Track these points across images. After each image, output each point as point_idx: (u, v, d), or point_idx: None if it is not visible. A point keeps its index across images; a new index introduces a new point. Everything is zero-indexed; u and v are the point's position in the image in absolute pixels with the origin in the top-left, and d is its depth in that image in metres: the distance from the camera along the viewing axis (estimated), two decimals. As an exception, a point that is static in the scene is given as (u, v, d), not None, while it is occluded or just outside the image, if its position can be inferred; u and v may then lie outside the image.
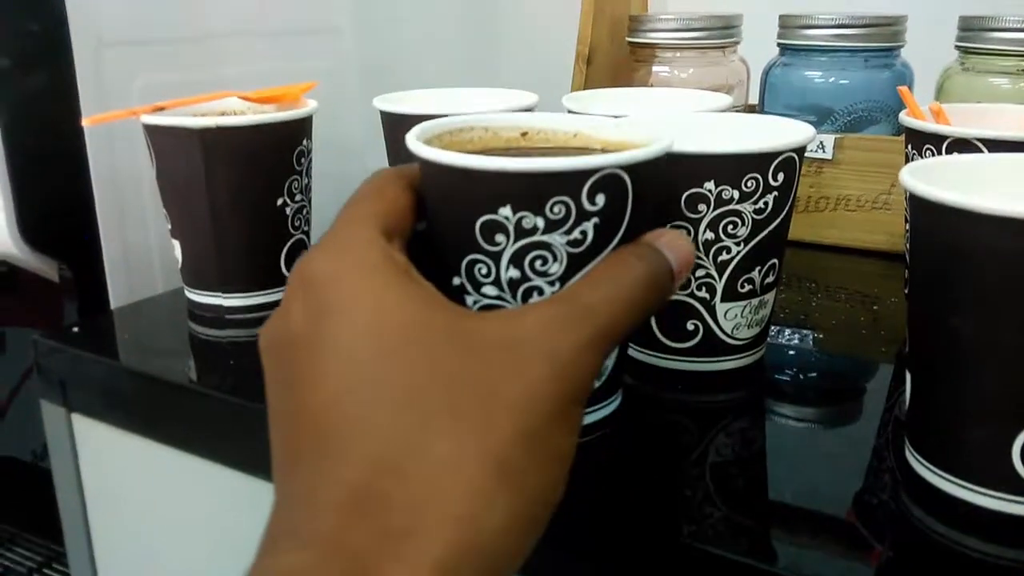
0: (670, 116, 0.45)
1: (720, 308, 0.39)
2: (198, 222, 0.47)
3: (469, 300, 0.30)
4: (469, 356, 0.22)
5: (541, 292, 0.29)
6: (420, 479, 0.20)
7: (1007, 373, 0.27)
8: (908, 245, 0.31)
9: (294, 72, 0.72)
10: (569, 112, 0.49)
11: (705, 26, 0.64)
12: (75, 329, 0.48)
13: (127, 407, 0.45)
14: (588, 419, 0.34)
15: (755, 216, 0.37)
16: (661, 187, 0.32)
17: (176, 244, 0.49)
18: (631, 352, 0.42)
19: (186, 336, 0.49)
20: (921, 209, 0.29)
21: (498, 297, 0.29)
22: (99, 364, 0.45)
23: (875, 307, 0.50)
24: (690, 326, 0.39)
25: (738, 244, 0.38)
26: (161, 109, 0.47)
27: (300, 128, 0.48)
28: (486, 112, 0.34)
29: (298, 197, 0.49)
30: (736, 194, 0.37)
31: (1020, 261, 0.26)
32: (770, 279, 0.40)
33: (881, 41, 0.59)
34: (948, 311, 0.29)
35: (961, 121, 0.43)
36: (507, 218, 0.27)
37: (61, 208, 0.61)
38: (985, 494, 0.29)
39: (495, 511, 0.21)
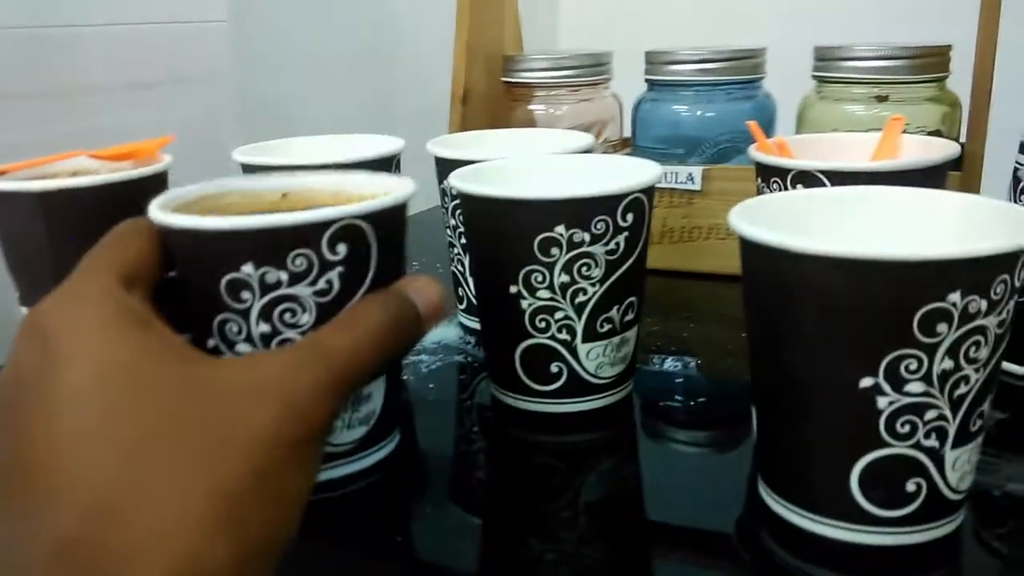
0: (529, 157, 0.45)
1: (582, 349, 0.39)
2: (46, 290, 0.45)
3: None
4: (200, 402, 0.23)
5: None
6: (139, 523, 0.21)
7: (838, 405, 0.28)
8: (743, 282, 0.31)
9: (164, 123, 0.71)
10: (436, 158, 0.49)
11: (576, 64, 0.65)
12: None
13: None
14: (364, 463, 0.35)
15: (608, 257, 0.38)
16: (402, 234, 0.33)
17: (24, 311, 0.46)
18: (499, 396, 0.41)
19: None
20: (747, 248, 0.30)
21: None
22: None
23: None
24: (554, 368, 0.39)
25: (593, 285, 0.38)
26: (2, 173, 0.45)
27: (153, 185, 0.46)
28: (244, 177, 0.35)
29: (157, 256, 0.47)
30: (587, 236, 0.37)
31: (841, 298, 0.27)
32: (629, 316, 0.40)
33: (742, 74, 0.61)
34: (778, 347, 0.29)
35: (804, 152, 0.44)
36: (250, 275, 0.28)
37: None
38: (831, 525, 0.30)
39: (217, 548, 0.21)
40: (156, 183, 0.47)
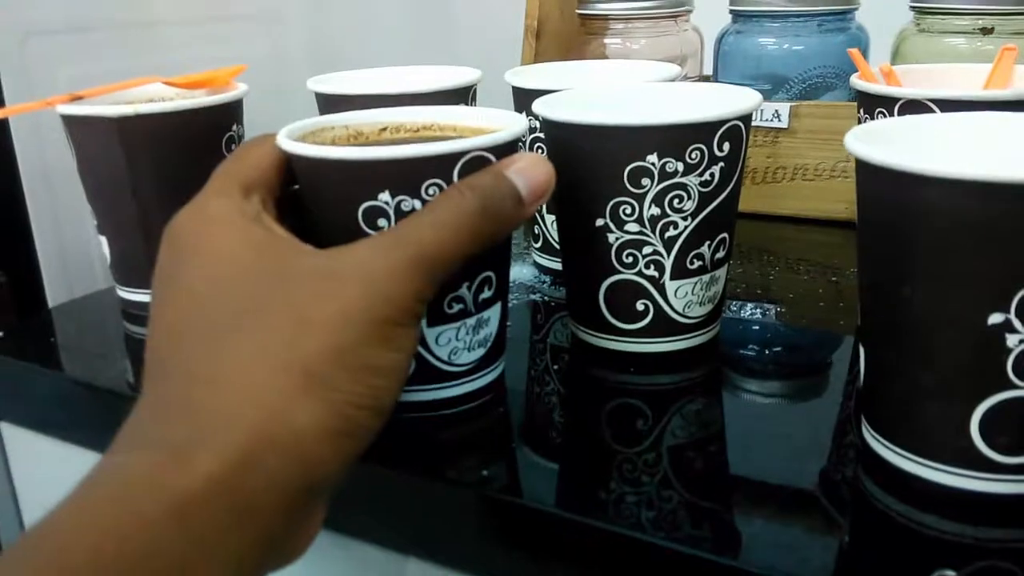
0: (615, 87, 0.43)
1: (670, 286, 0.37)
2: (123, 217, 0.44)
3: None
4: (288, 284, 0.26)
5: None
6: (230, 389, 0.24)
7: (961, 344, 0.26)
8: (857, 211, 0.29)
9: (234, 59, 0.70)
10: (514, 88, 0.47)
11: (656, -5, 0.62)
12: (1, 334, 0.45)
13: (58, 415, 0.43)
14: (479, 383, 0.36)
15: (701, 189, 0.36)
16: None
17: (103, 240, 0.46)
18: (582, 335, 0.40)
19: (121, 336, 0.46)
20: (867, 174, 0.28)
21: None
22: (27, 371, 0.43)
23: (835, 279, 0.48)
24: (640, 306, 0.38)
25: (685, 219, 0.36)
26: (79, 98, 0.45)
27: (227, 113, 0.45)
28: (345, 113, 0.36)
29: (231, 186, 0.47)
30: (680, 166, 0.35)
31: (970, 224, 0.25)
32: (720, 254, 0.38)
33: (834, 4, 0.57)
34: (898, 280, 0.27)
35: (912, 82, 0.41)
36: (387, 203, 0.30)
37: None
38: (944, 470, 0.28)
39: (301, 412, 0.24)
40: (232, 110, 0.46)
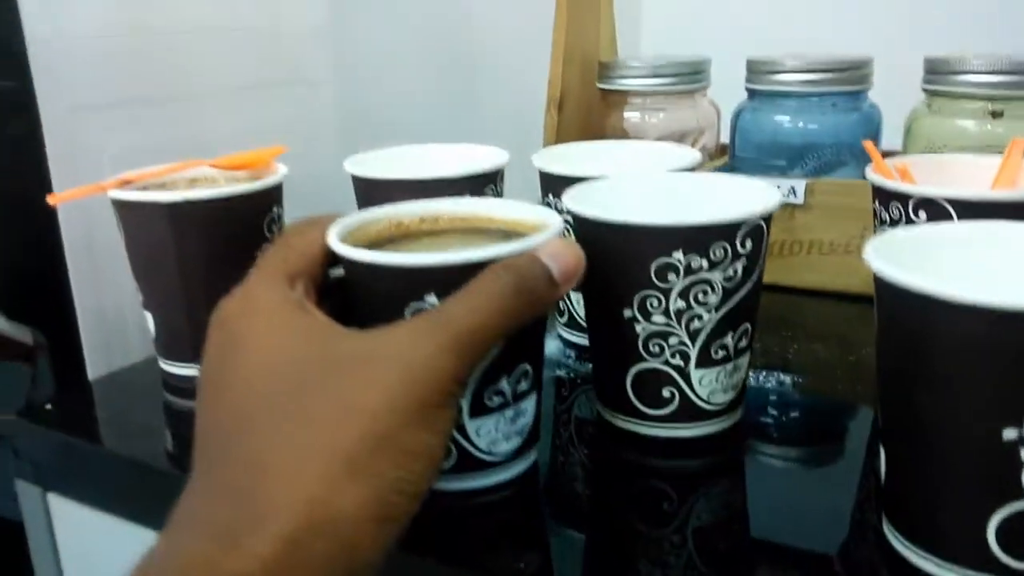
0: (641, 179, 0.45)
1: (695, 375, 0.39)
2: (169, 295, 0.47)
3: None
4: (332, 372, 0.27)
5: None
6: (279, 476, 0.25)
7: (977, 453, 0.28)
8: (875, 320, 0.31)
9: (269, 125, 0.72)
10: (541, 172, 0.49)
11: (675, 72, 0.65)
12: (49, 407, 0.47)
13: (104, 488, 0.45)
14: (513, 472, 0.37)
15: (725, 283, 0.38)
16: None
17: (148, 316, 0.48)
18: (608, 418, 0.42)
19: (162, 409, 0.48)
20: (887, 290, 0.29)
21: None
22: (74, 445, 0.44)
23: (851, 357, 0.50)
24: (666, 393, 0.39)
25: (709, 311, 0.38)
26: (128, 183, 0.47)
27: (270, 196, 0.48)
28: (387, 206, 0.39)
29: (271, 265, 0.49)
30: (704, 263, 0.37)
31: (988, 347, 0.26)
32: (743, 343, 0.40)
33: (849, 84, 0.59)
34: (916, 389, 0.29)
35: (924, 174, 0.43)
36: (433, 304, 0.32)
37: (34, 274, 0.60)
38: (961, 574, 0.29)
39: (344, 497, 0.25)
40: (273, 194, 0.48)
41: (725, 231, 0.37)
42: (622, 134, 0.67)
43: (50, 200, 0.47)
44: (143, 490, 0.43)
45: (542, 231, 0.34)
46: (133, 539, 0.43)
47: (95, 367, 0.56)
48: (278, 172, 0.49)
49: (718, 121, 0.68)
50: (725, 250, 0.37)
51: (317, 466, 0.25)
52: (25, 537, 0.49)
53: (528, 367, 0.36)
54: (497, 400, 0.35)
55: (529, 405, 0.37)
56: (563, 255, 0.32)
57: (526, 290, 0.30)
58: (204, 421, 0.28)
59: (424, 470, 0.26)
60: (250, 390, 0.27)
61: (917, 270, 0.28)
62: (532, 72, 0.71)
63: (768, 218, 0.38)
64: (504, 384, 0.35)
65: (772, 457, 0.41)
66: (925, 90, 0.59)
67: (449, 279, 0.31)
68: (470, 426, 0.35)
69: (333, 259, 0.34)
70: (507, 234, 0.37)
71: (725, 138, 0.68)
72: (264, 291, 0.30)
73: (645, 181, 0.44)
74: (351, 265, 0.34)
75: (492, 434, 0.35)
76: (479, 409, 0.34)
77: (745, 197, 0.40)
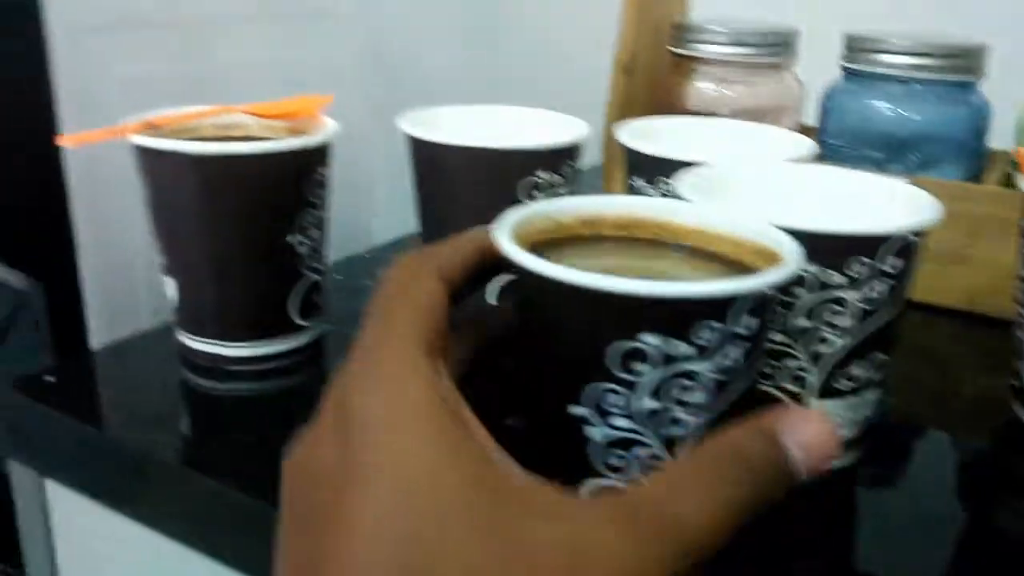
0: (754, 167, 0.39)
1: (813, 404, 0.33)
2: (195, 260, 0.40)
3: (593, 432, 0.24)
4: (500, 555, 0.19)
5: (678, 422, 0.24)
6: None
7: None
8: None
9: (291, 60, 0.66)
10: (627, 150, 0.43)
11: (760, 42, 0.58)
12: (49, 377, 0.41)
13: (108, 480, 0.39)
14: None
15: (863, 305, 0.32)
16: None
17: (168, 281, 0.42)
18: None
19: (180, 390, 0.42)
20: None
21: (631, 430, 0.24)
22: (77, 428, 0.38)
23: (944, 375, 0.44)
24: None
25: (839, 335, 0.32)
26: (154, 127, 0.40)
27: (315, 157, 0.41)
28: (543, 202, 0.29)
29: (312, 233, 0.42)
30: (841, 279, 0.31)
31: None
32: (873, 373, 0.34)
33: (960, 74, 0.53)
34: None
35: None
36: (650, 344, 0.23)
37: (34, 216, 0.54)
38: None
39: None
40: (319, 156, 0.42)
41: (868, 245, 0.31)
42: (692, 106, 0.60)
43: (61, 142, 0.40)
44: (150, 486, 0.37)
45: (756, 250, 0.26)
46: (138, 538, 0.38)
47: (98, 333, 0.50)
48: (327, 128, 0.42)
49: (802, 101, 0.61)
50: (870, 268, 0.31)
51: None
52: (13, 515, 0.44)
53: None
54: None
55: None
56: (818, 447, 0.22)
57: (765, 489, 0.21)
58: (308, 552, 0.20)
59: None
60: (384, 548, 0.19)
61: None
62: (595, 28, 0.64)
63: (923, 234, 0.32)
64: None
65: (888, 499, 0.35)
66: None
67: (677, 317, 0.23)
68: None
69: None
70: (694, 251, 0.29)
71: (807, 120, 0.62)
72: (408, 383, 0.21)
73: (766, 171, 0.38)
74: (540, 283, 0.24)
75: None
76: None
77: (887, 202, 0.34)
